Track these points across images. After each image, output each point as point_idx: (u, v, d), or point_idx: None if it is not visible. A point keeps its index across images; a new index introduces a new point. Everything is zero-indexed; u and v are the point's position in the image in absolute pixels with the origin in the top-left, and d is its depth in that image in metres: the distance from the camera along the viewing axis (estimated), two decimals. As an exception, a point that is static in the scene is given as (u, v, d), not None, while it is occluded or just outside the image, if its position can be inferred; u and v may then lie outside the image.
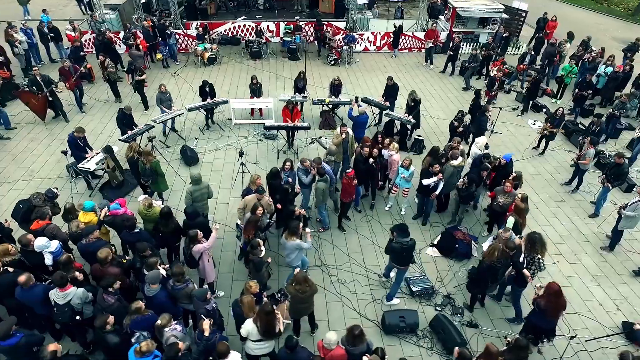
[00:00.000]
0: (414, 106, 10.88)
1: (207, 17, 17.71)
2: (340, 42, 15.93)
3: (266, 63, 16.16)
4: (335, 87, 12.11)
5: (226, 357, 4.76)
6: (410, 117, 10.85)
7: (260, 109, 12.12)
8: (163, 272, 5.77)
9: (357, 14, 18.74)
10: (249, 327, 5.26)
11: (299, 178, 8.10)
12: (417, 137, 11.15)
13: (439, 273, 7.75)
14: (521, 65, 14.47)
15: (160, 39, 14.96)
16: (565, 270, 7.99)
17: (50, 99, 11.47)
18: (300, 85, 12.05)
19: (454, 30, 17.47)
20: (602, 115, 10.62)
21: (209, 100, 11.43)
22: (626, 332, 6.53)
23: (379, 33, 17.31)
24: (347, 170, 7.90)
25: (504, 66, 13.56)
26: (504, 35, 16.24)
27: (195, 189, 7.45)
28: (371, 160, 8.40)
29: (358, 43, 17.31)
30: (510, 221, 7.23)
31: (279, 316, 5.53)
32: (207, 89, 11.36)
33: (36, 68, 11.65)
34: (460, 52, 15.69)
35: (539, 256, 6.48)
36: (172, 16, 16.89)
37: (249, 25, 17.30)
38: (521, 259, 6.41)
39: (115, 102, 12.69)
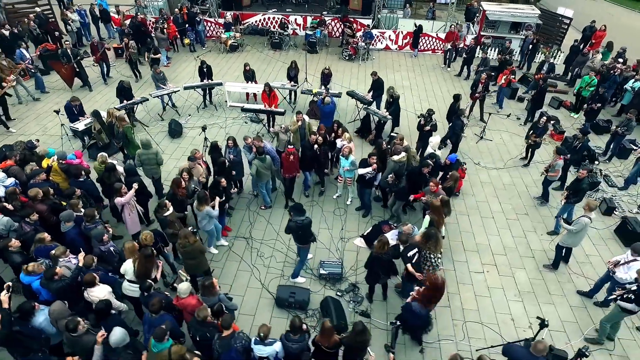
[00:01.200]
0: (392, 102, 10.87)
1: (241, 8, 18.86)
2: (356, 39, 16.12)
3: (284, 54, 16.85)
4: (325, 77, 12.43)
5: (92, 287, 5.50)
6: (387, 113, 10.86)
7: (255, 94, 12.83)
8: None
9: (387, 12, 18.74)
10: (127, 266, 5.95)
11: (245, 155, 8.68)
12: (392, 134, 11.10)
13: (357, 263, 7.85)
14: (539, 75, 13.55)
15: (188, 25, 16.31)
16: (491, 281, 7.64)
17: (78, 69, 13.24)
18: (292, 74, 12.55)
19: (482, 34, 16.79)
20: (587, 131, 9.73)
21: (205, 81, 12.39)
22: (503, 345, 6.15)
23: (401, 32, 17.16)
24: (289, 146, 8.30)
25: (512, 76, 12.81)
26: (532, 41, 15.26)
27: (143, 152, 8.34)
28: (315, 146, 8.69)
29: (379, 41, 17.34)
30: (426, 219, 7.16)
31: (160, 264, 6.18)
32: (204, 69, 12.33)
33: (67, 42, 13.50)
34: (475, 55, 15.05)
35: (434, 254, 6.38)
36: (208, 5, 18.28)
37: (278, 18, 18.13)
38: (410, 254, 6.36)
39: (136, 82, 14.16)
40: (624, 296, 5.98)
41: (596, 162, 10.79)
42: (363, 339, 5.12)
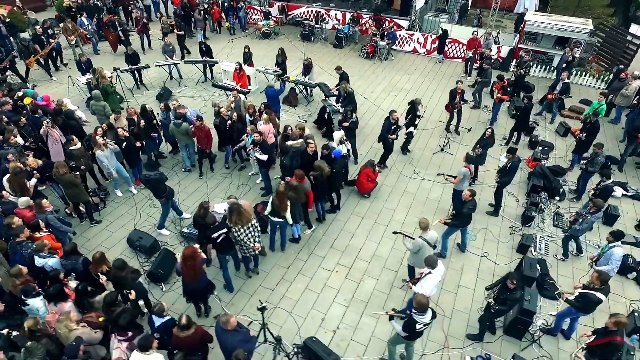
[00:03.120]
0: (346, 97, 10.83)
1: (289, 0, 19.95)
2: (375, 38, 15.95)
3: (309, 45, 17.42)
4: (305, 67, 12.80)
5: None
6: (339, 106, 10.91)
7: (248, 76, 13.77)
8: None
9: (432, 15, 17.98)
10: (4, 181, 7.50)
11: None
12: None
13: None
14: (550, 95, 11.88)
15: (231, 10, 18.00)
16: (332, 280, 7.43)
17: (123, 38, 15.81)
18: (279, 60, 13.19)
19: (520, 46, 15.13)
20: (514, 149, 8.40)
21: (203, 58, 13.80)
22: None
23: (430, 36, 16.37)
24: (197, 120, 9.13)
25: (501, 92, 11.45)
26: (568, 59, 13.30)
27: (94, 103, 9.99)
28: (229, 122, 9.33)
29: (407, 43, 16.83)
30: (269, 205, 7.32)
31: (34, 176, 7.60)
32: (203, 48, 13.74)
33: (112, 15, 16.18)
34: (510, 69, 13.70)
35: (239, 226, 6.55)
36: (260, -6, 19.80)
37: (319, 11, 18.78)
38: (215, 235, 6.56)
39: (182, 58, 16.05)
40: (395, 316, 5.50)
41: (556, 198, 9.30)
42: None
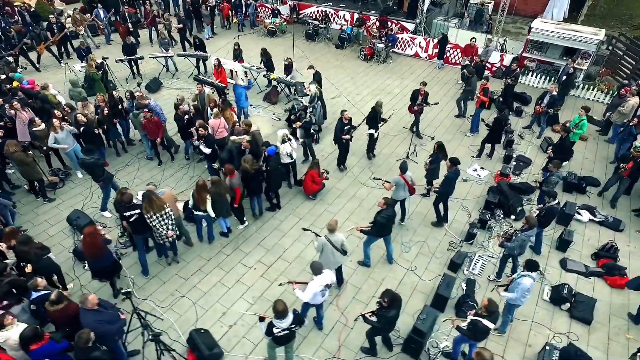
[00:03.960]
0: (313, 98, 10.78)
1: (301, -1, 20.07)
2: (373, 40, 15.68)
3: (312, 45, 17.48)
4: (286, 67, 12.85)
5: None
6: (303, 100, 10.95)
7: (231, 70, 13.98)
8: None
9: (442, 19, 17.40)
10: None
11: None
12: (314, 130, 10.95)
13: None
14: (538, 107, 11.13)
15: (238, 7, 18.40)
16: (247, 277, 7.46)
17: (132, 29, 16.65)
18: (263, 59, 13.33)
19: (525, 55, 14.30)
20: (455, 160, 7.88)
21: (196, 52, 14.24)
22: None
23: (432, 40, 15.83)
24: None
25: (482, 94, 10.86)
26: (569, 71, 12.39)
27: (72, 89, 10.66)
28: (186, 117, 9.59)
29: (408, 46, 16.40)
30: (191, 198, 7.48)
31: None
32: (197, 43, 14.18)
33: (127, 7, 17.02)
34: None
35: (150, 213, 6.72)
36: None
37: (328, 12, 18.76)
38: (127, 213, 6.80)
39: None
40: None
41: (512, 217, 8.71)
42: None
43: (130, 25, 16.50)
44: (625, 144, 10.06)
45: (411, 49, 16.45)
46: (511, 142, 10.91)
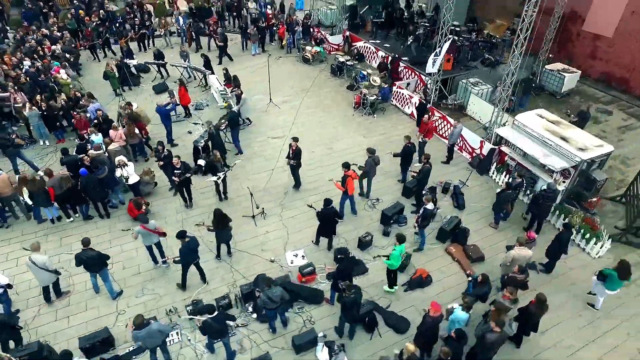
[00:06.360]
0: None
1: (357, 32, 19.82)
2: (363, 90, 14.87)
3: (332, 79, 17.43)
4: (237, 97, 13.78)
5: None
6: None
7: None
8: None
9: (470, 84, 15.03)
10: None
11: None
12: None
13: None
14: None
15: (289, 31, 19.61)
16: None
17: (194, 38, 19.91)
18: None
19: (503, 149, 11.54)
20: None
21: (203, 68, 16.43)
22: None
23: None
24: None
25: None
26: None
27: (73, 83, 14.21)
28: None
29: (406, 104, 14.88)
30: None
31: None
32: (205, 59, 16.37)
33: (216, 18, 20.34)
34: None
35: None
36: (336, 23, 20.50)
37: (367, 48, 18.38)
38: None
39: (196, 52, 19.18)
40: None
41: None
42: None
43: (193, 34, 19.75)
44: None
45: (408, 108, 14.85)
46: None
